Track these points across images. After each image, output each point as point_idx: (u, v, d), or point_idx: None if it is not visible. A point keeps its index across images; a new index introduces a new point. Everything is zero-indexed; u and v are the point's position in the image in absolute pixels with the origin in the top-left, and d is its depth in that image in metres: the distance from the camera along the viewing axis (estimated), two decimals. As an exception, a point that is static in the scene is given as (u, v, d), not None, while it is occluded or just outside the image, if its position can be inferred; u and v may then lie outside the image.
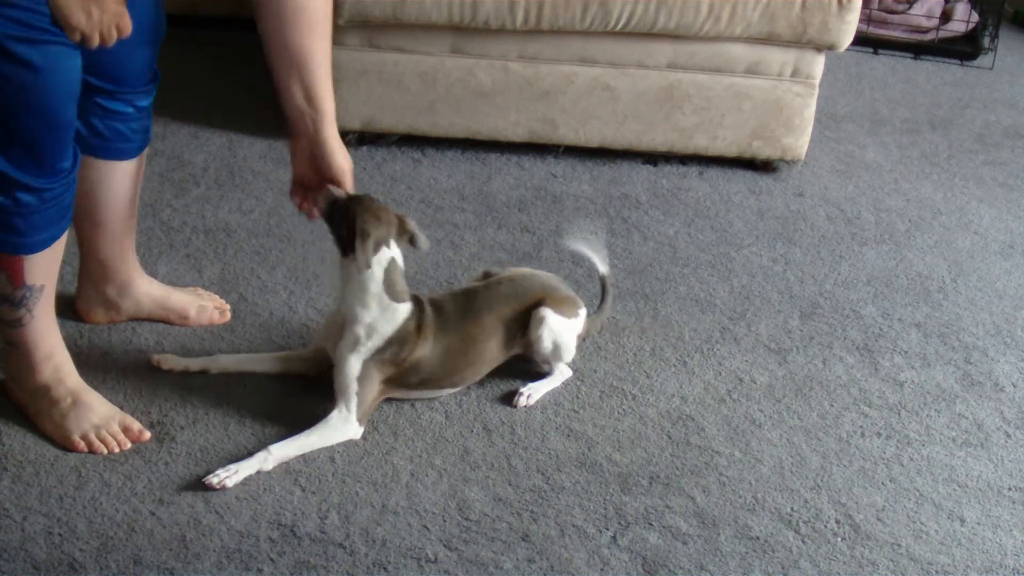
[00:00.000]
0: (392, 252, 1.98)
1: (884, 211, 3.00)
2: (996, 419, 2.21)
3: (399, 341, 1.99)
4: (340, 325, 2.01)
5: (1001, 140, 3.52)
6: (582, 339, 2.22)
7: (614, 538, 1.84)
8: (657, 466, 2.00)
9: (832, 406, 2.19)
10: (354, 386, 1.97)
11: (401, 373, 2.02)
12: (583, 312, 2.20)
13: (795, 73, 3.00)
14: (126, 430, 1.94)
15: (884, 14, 4.24)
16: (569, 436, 2.05)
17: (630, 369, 2.24)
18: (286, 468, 1.91)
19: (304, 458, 1.93)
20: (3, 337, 1.96)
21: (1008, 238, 2.92)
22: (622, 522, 1.87)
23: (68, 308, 2.21)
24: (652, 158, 3.10)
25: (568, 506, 1.89)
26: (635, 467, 1.99)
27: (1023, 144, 3.51)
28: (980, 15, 4.23)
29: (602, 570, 1.78)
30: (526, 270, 2.25)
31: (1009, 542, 1.91)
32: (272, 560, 1.74)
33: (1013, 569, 1.85)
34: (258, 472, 1.89)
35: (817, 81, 3.03)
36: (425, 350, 2.02)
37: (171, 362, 2.11)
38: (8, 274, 1.85)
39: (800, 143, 3.08)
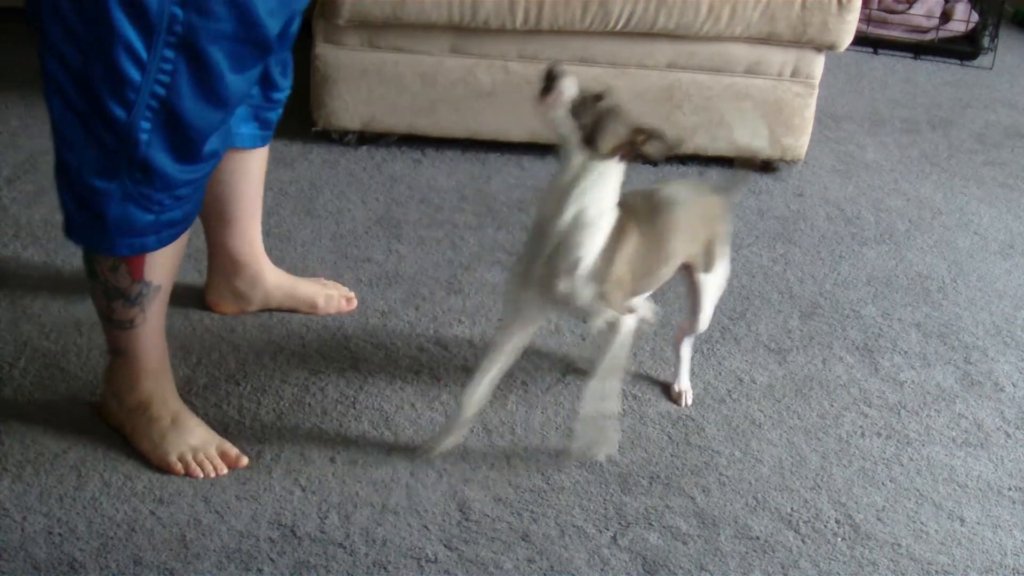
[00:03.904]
0: None
1: (884, 211, 3.00)
2: (996, 419, 2.21)
3: (614, 236, 1.84)
4: (553, 255, 1.83)
5: (1001, 140, 3.52)
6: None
7: (614, 538, 1.84)
8: (657, 466, 2.00)
9: (832, 406, 2.19)
10: (599, 303, 1.85)
11: (622, 274, 1.88)
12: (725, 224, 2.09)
13: (795, 73, 3.00)
14: (223, 455, 1.90)
15: (884, 14, 4.24)
16: (569, 436, 2.05)
17: (630, 369, 2.24)
18: (286, 468, 1.91)
19: (304, 458, 1.93)
20: (111, 344, 1.92)
21: (1008, 238, 2.92)
22: (622, 522, 1.87)
23: (193, 300, 2.29)
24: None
25: (568, 506, 1.89)
26: (635, 467, 1.99)
27: (1023, 144, 3.51)
28: (980, 15, 4.23)
29: (602, 570, 1.78)
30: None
31: (1009, 542, 1.91)
32: (272, 560, 1.74)
33: (1013, 569, 1.85)
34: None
35: (817, 81, 3.03)
36: (632, 242, 1.87)
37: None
38: (128, 267, 1.81)
39: (800, 143, 3.08)
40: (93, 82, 1.63)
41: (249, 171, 2.12)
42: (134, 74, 1.62)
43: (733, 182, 2.22)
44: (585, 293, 1.84)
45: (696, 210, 2.03)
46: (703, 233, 2.03)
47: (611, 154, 1.79)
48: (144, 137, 1.67)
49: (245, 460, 1.92)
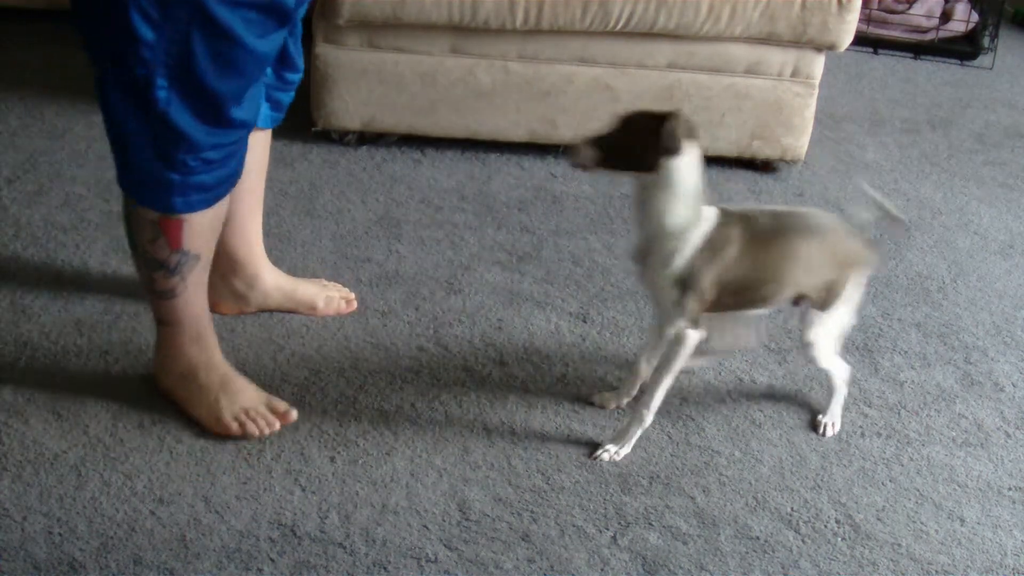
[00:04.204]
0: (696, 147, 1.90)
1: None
2: (996, 419, 2.21)
3: (712, 245, 1.91)
4: (646, 252, 1.94)
5: (1001, 140, 3.52)
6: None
7: (614, 538, 1.84)
8: (657, 466, 2.00)
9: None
10: (676, 307, 1.93)
11: (717, 290, 1.94)
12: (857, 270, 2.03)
13: (795, 73, 3.00)
14: (274, 411, 1.97)
15: (884, 14, 4.24)
16: (569, 436, 2.05)
17: (630, 369, 2.24)
18: (286, 468, 1.91)
19: (304, 458, 1.93)
20: (156, 314, 1.98)
21: (1008, 238, 2.92)
22: (622, 522, 1.87)
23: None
24: (652, 158, 3.10)
25: (568, 506, 1.89)
26: (635, 467, 1.99)
27: (1023, 144, 3.51)
28: (980, 15, 4.23)
29: (602, 570, 1.78)
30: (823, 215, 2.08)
31: (1009, 542, 1.91)
32: (272, 560, 1.74)
33: (1013, 569, 1.85)
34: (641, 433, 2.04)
35: (817, 81, 3.03)
36: (735, 261, 1.93)
37: (607, 400, 2.14)
38: (167, 237, 1.85)
39: (800, 143, 3.08)
40: (116, 38, 1.68)
41: (246, 163, 2.10)
42: (147, 33, 1.66)
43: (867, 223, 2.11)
44: (668, 293, 1.92)
45: (825, 242, 1.99)
46: (828, 268, 1.99)
47: (655, 163, 1.84)
48: (162, 95, 1.70)
49: (295, 414, 1.98)
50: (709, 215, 1.91)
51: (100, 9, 1.67)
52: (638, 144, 1.84)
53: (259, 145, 2.13)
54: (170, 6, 1.65)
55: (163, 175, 1.78)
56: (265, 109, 2.08)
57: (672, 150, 1.82)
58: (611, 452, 2.00)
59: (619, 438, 2.01)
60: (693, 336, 1.95)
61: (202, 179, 1.81)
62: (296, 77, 2.09)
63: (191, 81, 1.71)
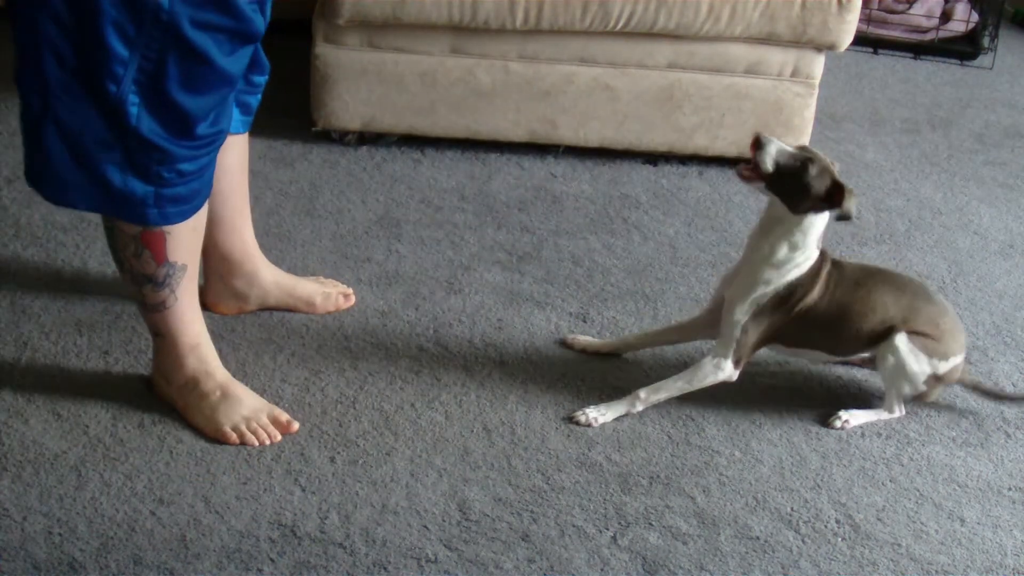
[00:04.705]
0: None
1: (884, 211, 3.00)
2: (996, 419, 2.21)
3: (796, 287, 2.03)
4: (740, 268, 2.07)
5: (1001, 140, 3.52)
6: (936, 382, 2.14)
7: (614, 538, 1.84)
8: (657, 466, 2.00)
9: (832, 406, 2.19)
10: (738, 329, 2.04)
11: (787, 323, 2.06)
12: (951, 358, 2.13)
13: (795, 73, 3.00)
14: (275, 422, 1.97)
15: (884, 14, 4.24)
16: (569, 436, 2.05)
17: (629, 369, 2.24)
18: (286, 468, 1.91)
19: (304, 458, 1.93)
20: (150, 326, 1.98)
21: (1008, 238, 2.92)
22: (622, 522, 1.87)
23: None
24: (652, 158, 3.11)
25: (568, 506, 1.89)
26: (635, 467, 1.99)
27: (1023, 144, 3.51)
28: (980, 15, 4.23)
29: (602, 570, 1.78)
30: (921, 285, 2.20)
31: (1009, 542, 1.91)
32: (272, 560, 1.74)
33: (1013, 569, 1.85)
34: (626, 414, 2.09)
35: (817, 81, 3.03)
36: (813, 301, 2.05)
37: (583, 343, 2.27)
38: (151, 251, 1.85)
39: (800, 143, 3.08)
40: (88, 53, 1.67)
41: (226, 165, 2.08)
42: (121, 49, 1.66)
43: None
44: (738, 314, 2.03)
45: (897, 295, 2.11)
46: (894, 315, 2.09)
47: (806, 211, 1.98)
48: (134, 111, 1.71)
49: (296, 425, 1.98)
50: (811, 258, 2.03)
51: (70, 22, 1.66)
52: (808, 191, 1.96)
53: (237, 147, 2.12)
54: (145, 24, 1.65)
55: (135, 188, 1.77)
56: (236, 113, 2.07)
57: (828, 212, 1.98)
58: (588, 416, 2.07)
59: (604, 407, 2.08)
60: (728, 372, 2.06)
61: (177, 191, 1.80)
62: (263, 80, 2.08)
63: (161, 97, 1.71)
